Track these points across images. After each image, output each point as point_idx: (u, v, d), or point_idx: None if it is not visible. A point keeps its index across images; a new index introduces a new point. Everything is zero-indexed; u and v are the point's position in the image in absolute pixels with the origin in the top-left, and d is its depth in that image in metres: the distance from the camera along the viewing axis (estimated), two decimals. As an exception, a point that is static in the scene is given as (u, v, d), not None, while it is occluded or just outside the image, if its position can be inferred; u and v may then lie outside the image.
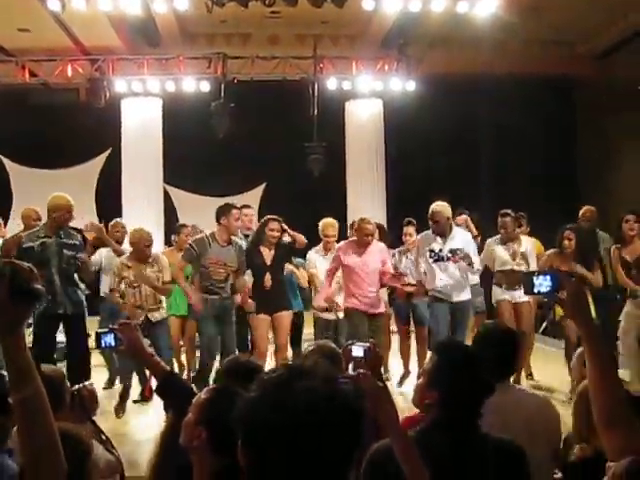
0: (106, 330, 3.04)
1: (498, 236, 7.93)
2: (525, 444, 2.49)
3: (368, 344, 2.89)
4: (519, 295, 7.52)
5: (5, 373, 2.08)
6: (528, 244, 7.93)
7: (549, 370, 8.05)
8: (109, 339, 2.99)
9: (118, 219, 8.63)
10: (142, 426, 6.68)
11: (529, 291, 2.30)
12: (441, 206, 7.23)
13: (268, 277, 7.27)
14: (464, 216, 8.62)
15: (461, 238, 7.29)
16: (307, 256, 8.08)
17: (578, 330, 2.20)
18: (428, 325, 7.62)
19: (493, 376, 2.87)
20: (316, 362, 1.44)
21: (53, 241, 6.58)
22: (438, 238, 7.20)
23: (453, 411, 2.41)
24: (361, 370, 2.28)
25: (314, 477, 1.32)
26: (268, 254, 7.36)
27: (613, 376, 2.12)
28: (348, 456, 1.38)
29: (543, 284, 2.25)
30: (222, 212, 7.04)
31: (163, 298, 7.21)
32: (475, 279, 8.25)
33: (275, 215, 7.49)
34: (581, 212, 8.42)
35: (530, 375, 8.10)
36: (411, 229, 8.12)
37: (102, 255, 8.07)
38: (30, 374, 1.70)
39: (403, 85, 12.60)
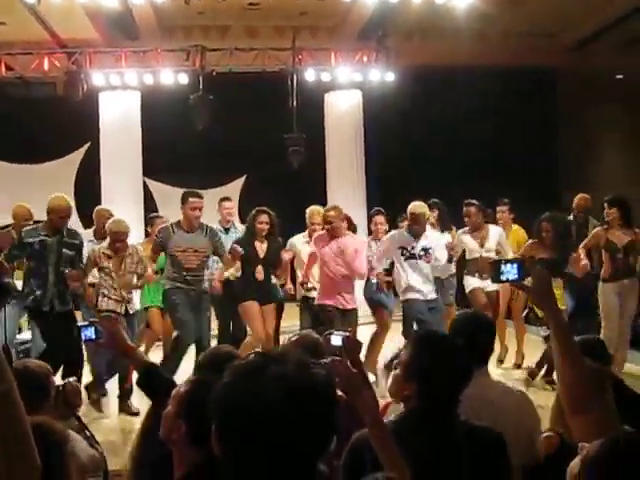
0: (86, 323, 3.03)
1: (467, 228, 8.13)
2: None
3: (347, 333, 2.90)
4: (489, 283, 7.64)
5: None
6: (496, 233, 8.05)
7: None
8: (89, 332, 2.99)
9: (103, 206, 8.55)
10: (126, 418, 6.67)
11: (496, 279, 2.32)
12: (423, 207, 7.33)
13: (260, 269, 7.32)
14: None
15: (433, 237, 7.45)
16: (289, 241, 8.14)
17: (546, 317, 2.23)
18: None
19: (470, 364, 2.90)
20: (290, 350, 1.45)
21: (54, 240, 6.64)
22: (410, 237, 7.28)
23: (432, 401, 2.42)
24: (335, 357, 2.29)
25: (287, 463, 1.33)
26: (261, 247, 7.40)
27: (579, 361, 2.15)
28: (321, 442, 1.38)
29: (510, 272, 2.28)
30: (181, 200, 7.09)
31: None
32: (451, 269, 8.37)
33: (260, 207, 7.52)
34: (575, 201, 8.46)
35: (519, 366, 8.20)
36: (380, 218, 8.15)
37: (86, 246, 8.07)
38: (2, 370, 1.69)
39: (382, 76, 12.60)
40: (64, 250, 6.65)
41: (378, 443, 2.16)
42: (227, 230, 8.11)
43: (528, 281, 2.35)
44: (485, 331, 3.29)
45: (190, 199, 7.00)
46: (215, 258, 7.50)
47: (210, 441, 1.38)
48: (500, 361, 8.27)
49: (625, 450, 1.70)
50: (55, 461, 2.25)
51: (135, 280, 6.99)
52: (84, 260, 7.04)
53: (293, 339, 3.39)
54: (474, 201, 8.07)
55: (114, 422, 6.68)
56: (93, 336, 3.02)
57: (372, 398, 2.21)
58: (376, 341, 7.80)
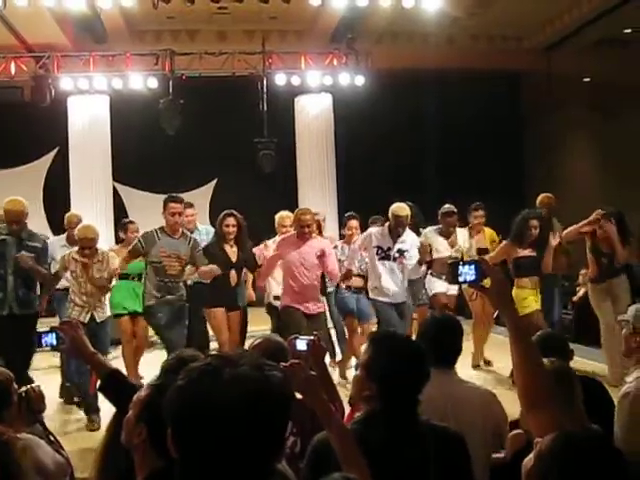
0: (47, 330, 3.00)
1: (436, 227, 8.17)
2: (464, 430, 2.54)
3: (312, 337, 2.91)
4: (453, 287, 7.71)
5: None
6: (463, 235, 8.12)
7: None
8: (50, 338, 2.95)
9: (73, 212, 8.47)
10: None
11: (454, 280, 2.34)
12: (406, 209, 7.23)
13: (234, 274, 7.23)
14: None
15: (410, 239, 7.37)
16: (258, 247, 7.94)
17: (503, 317, 2.26)
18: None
19: (437, 364, 2.93)
20: (246, 353, 1.46)
21: (13, 240, 6.50)
22: (390, 238, 7.21)
23: (392, 402, 2.43)
24: (293, 360, 2.29)
25: (242, 464, 1.33)
26: (232, 251, 7.29)
27: (535, 360, 2.19)
28: (275, 443, 1.39)
29: (468, 273, 2.29)
30: (163, 206, 6.92)
31: (107, 297, 7.14)
32: (422, 270, 8.38)
33: (227, 210, 7.46)
34: (539, 199, 8.50)
35: (488, 363, 8.25)
36: (354, 222, 8.12)
37: (54, 246, 8.00)
38: None
39: (352, 80, 12.64)
40: (23, 252, 6.47)
41: (337, 444, 2.17)
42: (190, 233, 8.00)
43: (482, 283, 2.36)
44: (449, 332, 3.31)
45: (170, 204, 6.83)
46: None
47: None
48: (477, 365, 8.30)
49: (575, 445, 1.74)
50: (5, 462, 2.23)
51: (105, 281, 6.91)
52: (52, 264, 6.97)
53: (255, 343, 3.38)
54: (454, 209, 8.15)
55: (81, 428, 6.60)
56: (54, 342, 2.99)
57: (330, 400, 2.21)
58: (349, 346, 7.81)
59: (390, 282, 7.21)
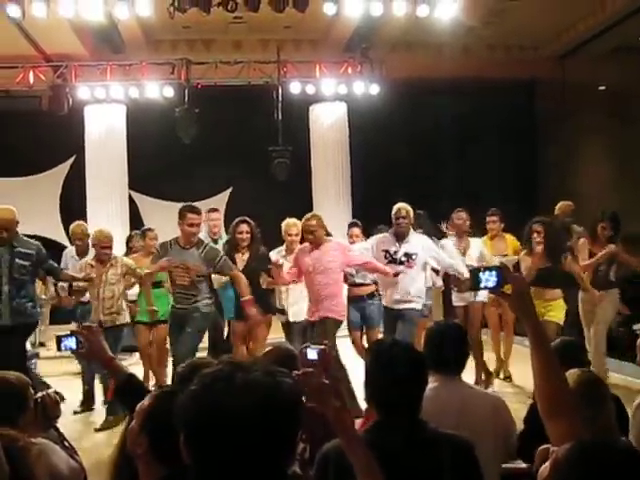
0: (67, 333, 3.03)
1: (451, 235, 8.16)
2: (473, 437, 2.55)
3: (322, 346, 2.93)
4: (469, 296, 7.65)
5: None
6: (477, 245, 8.03)
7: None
8: (70, 342, 2.98)
9: (79, 221, 8.54)
10: (107, 431, 6.66)
11: (475, 286, 2.31)
12: (407, 207, 7.03)
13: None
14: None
15: (418, 243, 7.03)
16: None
17: (524, 324, 2.26)
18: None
19: (443, 372, 2.94)
20: (258, 360, 1.48)
21: (5, 249, 6.45)
22: (395, 240, 7.01)
23: (387, 411, 2.45)
24: (306, 369, 2.31)
25: (253, 468, 1.35)
26: (241, 258, 7.25)
27: (555, 368, 2.19)
28: (287, 447, 1.41)
29: (489, 279, 2.27)
30: (178, 217, 6.85)
31: (124, 304, 7.20)
32: (439, 282, 8.30)
33: (240, 217, 7.47)
34: (558, 207, 8.47)
35: (508, 378, 8.20)
36: (356, 230, 8.07)
37: (67, 256, 8.11)
38: None
39: (367, 88, 12.68)
40: (17, 260, 6.45)
41: (350, 452, 2.18)
42: (215, 242, 7.96)
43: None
44: (453, 341, 3.31)
45: (188, 215, 6.74)
46: None
47: (174, 457, 1.40)
48: (496, 373, 8.25)
49: (592, 454, 1.73)
50: (20, 467, 2.26)
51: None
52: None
53: (266, 351, 3.41)
54: (462, 211, 8.09)
55: (98, 434, 6.66)
56: (74, 346, 3.01)
57: (342, 409, 2.22)
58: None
59: (394, 287, 6.97)
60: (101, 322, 6.85)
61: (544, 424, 2.15)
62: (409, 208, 7.05)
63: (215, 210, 8.49)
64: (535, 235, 7.12)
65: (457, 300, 7.85)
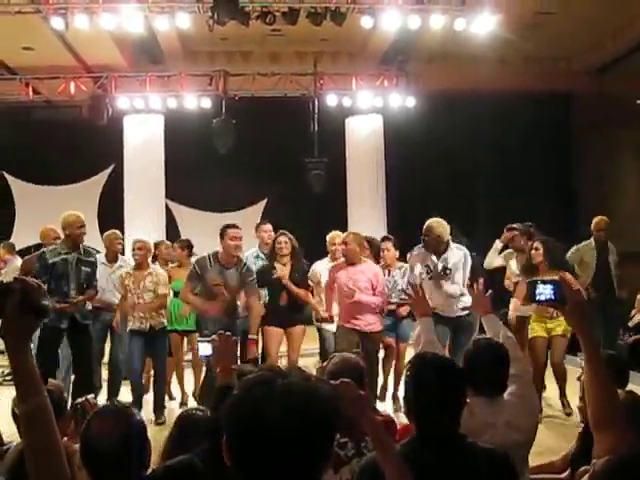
0: (206, 339, 3.09)
1: (512, 251, 8.09)
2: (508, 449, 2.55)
3: (212, 339, 2.94)
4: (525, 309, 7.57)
5: None
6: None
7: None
8: (206, 349, 3.03)
9: (115, 230, 8.65)
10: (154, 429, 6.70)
11: (532, 299, 2.31)
12: (434, 222, 6.92)
13: (284, 294, 7.25)
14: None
15: (456, 257, 6.91)
16: (312, 267, 7.85)
17: (579, 337, 2.27)
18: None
19: (480, 390, 2.94)
20: (295, 367, 1.52)
21: (73, 257, 6.80)
22: (432, 255, 6.91)
23: (426, 422, 2.47)
24: (343, 379, 2.33)
25: (291, 474, 1.40)
26: (282, 270, 7.31)
27: (607, 380, 2.21)
28: (323, 453, 1.44)
29: (544, 292, 2.28)
30: (220, 235, 6.82)
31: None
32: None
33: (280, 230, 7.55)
34: (594, 222, 8.42)
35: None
36: (389, 244, 7.91)
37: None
38: (36, 386, 1.76)
39: (403, 101, 12.72)
40: (82, 267, 6.84)
41: (384, 462, 2.20)
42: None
43: None
44: (501, 361, 3.29)
45: (229, 230, 6.73)
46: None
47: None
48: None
49: (629, 468, 1.74)
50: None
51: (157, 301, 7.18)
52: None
53: (333, 361, 3.36)
54: (515, 225, 8.05)
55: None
56: (209, 352, 3.08)
57: (376, 419, 2.25)
58: (384, 364, 7.81)
59: (439, 299, 6.83)
60: (152, 327, 7.11)
61: (594, 435, 2.16)
62: (433, 224, 6.89)
63: (267, 222, 8.48)
64: (533, 252, 7.11)
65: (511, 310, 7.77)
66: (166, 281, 7.41)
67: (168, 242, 8.93)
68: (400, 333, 7.76)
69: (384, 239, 8.17)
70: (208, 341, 3.10)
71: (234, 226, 6.86)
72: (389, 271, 7.76)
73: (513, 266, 8.02)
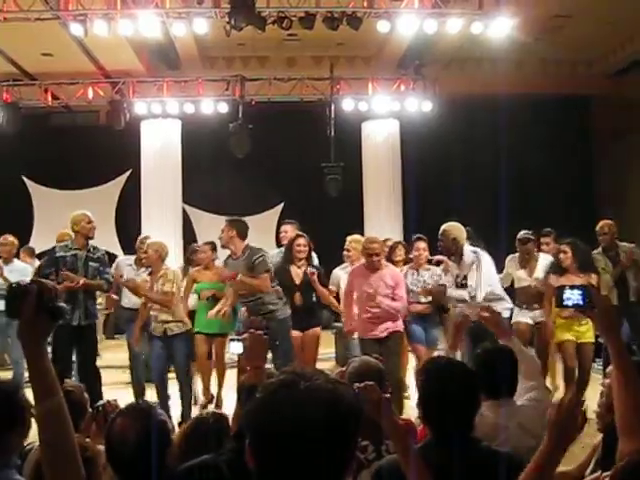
0: (237, 338, 3.13)
1: (516, 255, 7.94)
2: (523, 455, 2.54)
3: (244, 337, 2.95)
4: (540, 314, 7.50)
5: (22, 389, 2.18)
6: (544, 263, 7.87)
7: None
8: (237, 347, 3.06)
9: (146, 235, 8.71)
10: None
11: (560, 303, 2.33)
12: (449, 225, 6.85)
13: (298, 296, 7.25)
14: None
15: (468, 259, 6.79)
16: (332, 273, 7.92)
17: (607, 343, 2.27)
18: None
19: (492, 393, 2.93)
20: (318, 370, 1.51)
21: (83, 254, 6.92)
22: (454, 263, 6.83)
23: (441, 430, 2.46)
24: (367, 382, 2.33)
25: (314, 476, 1.39)
26: (297, 273, 7.33)
27: (636, 384, 2.20)
28: (347, 453, 1.44)
29: (572, 297, 2.29)
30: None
31: (182, 314, 7.30)
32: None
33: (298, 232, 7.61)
34: (598, 227, 8.34)
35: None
36: (422, 244, 7.79)
37: (121, 264, 8.31)
38: (53, 387, 1.78)
39: (419, 105, 12.69)
40: (90, 263, 6.95)
41: (405, 464, 2.20)
42: None
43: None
44: (508, 364, 3.29)
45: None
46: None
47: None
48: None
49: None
50: (88, 477, 2.33)
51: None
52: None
53: (353, 364, 3.36)
54: (530, 236, 7.90)
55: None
56: (240, 351, 3.11)
57: (397, 421, 2.25)
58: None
59: (463, 308, 6.80)
60: (166, 331, 7.08)
61: (620, 438, 2.15)
62: (447, 227, 6.82)
63: (288, 223, 8.50)
64: (562, 255, 7.08)
65: (521, 316, 7.70)
66: (174, 279, 7.19)
67: (200, 246, 8.75)
68: (429, 339, 7.63)
69: (417, 239, 7.98)
70: (239, 340, 3.11)
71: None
72: (418, 271, 7.71)
73: (519, 273, 7.87)
